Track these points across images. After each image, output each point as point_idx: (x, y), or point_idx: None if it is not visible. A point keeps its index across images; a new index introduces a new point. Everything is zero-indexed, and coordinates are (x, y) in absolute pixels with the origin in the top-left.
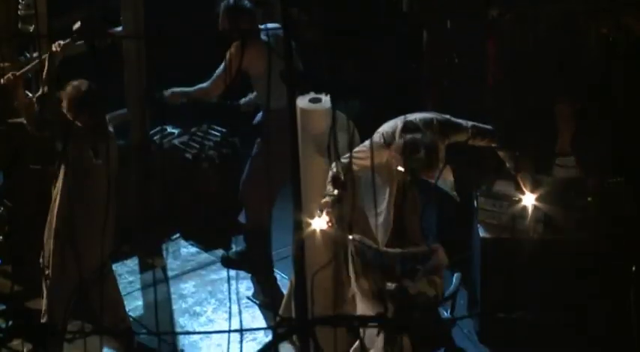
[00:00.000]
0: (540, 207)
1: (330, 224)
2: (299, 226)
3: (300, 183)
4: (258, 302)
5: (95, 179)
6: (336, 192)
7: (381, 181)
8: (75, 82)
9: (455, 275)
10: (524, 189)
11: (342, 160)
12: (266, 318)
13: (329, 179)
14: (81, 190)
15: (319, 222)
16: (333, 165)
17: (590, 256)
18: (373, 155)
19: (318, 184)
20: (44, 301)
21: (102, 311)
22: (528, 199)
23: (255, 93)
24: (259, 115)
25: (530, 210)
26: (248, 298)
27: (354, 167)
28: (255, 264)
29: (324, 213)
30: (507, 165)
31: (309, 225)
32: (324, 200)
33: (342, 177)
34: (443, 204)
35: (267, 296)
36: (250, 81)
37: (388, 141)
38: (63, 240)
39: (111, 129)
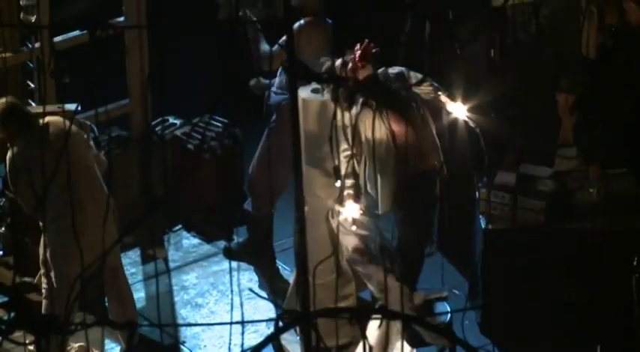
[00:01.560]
0: (472, 118)
1: (362, 211)
2: (301, 218)
3: (301, 175)
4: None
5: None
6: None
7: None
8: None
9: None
10: (453, 101)
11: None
12: (268, 310)
13: (344, 171)
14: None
15: (351, 211)
16: (342, 159)
17: (593, 246)
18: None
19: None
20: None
21: (100, 301)
22: (459, 110)
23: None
24: (273, 96)
25: (462, 121)
26: (250, 290)
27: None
28: (257, 254)
29: (351, 201)
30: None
31: (340, 213)
32: (348, 192)
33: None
34: (444, 197)
35: (269, 288)
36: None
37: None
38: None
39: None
